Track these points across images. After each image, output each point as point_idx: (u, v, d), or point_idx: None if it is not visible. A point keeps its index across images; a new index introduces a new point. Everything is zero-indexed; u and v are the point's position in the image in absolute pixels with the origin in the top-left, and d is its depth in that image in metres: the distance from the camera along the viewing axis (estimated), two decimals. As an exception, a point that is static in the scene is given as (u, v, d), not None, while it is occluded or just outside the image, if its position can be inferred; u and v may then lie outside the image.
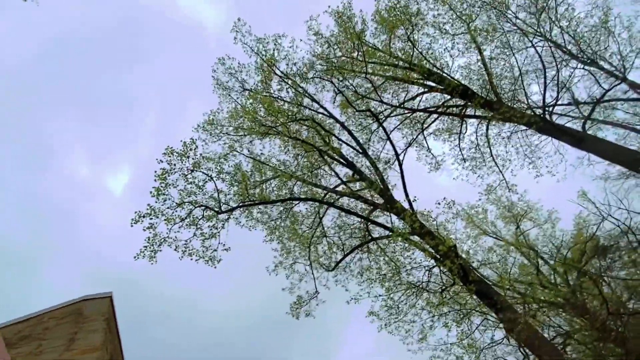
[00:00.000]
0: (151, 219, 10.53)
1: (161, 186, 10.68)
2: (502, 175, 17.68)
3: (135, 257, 10.47)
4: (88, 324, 8.61)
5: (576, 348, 15.36)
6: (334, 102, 19.44)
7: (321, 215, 17.35)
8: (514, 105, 16.11)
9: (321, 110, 17.76)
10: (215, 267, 11.99)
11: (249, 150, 17.91)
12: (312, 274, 15.95)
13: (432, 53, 17.85)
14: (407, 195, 13.54)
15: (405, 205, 14.20)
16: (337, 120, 17.46)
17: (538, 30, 16.32)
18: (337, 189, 16.94)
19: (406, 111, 18.05)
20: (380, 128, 19.30)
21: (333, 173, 17.58)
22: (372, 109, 16.39)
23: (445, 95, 17.92)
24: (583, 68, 16.26)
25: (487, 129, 17.49)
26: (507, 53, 16.73)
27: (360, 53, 17.89)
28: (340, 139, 17.03)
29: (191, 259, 11.43)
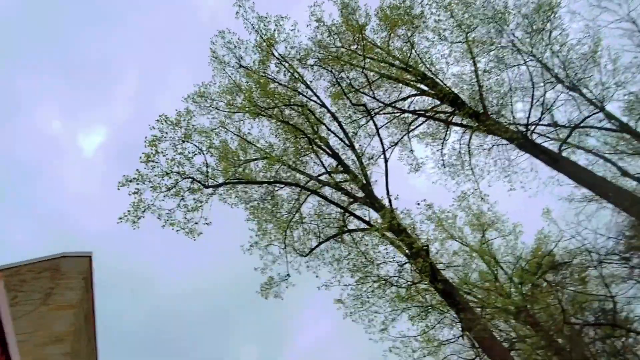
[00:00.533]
0: (138, 184, 10.50)
1: (151, 153, 10.62)
2: (477, 184, 18.47)
3: (118, 220, 10.44)
4: (65, 281, 8.62)
5: (521, 354, 16.50)
6: (327, 92, 19.60)
7: (301, 202, 17.62)
8: (499, 120, 16.77)
9: (314, 98, 17.89)
10: (194, 240, 12.11)
11: (237, 128, 17.90)
12: (286, 257, 16.25)
13: (429, 57, 18.28)
14: (388, 192, 14.02)
15: (385, 201, 14.69)
16: (328, 110, 17.64)
17: (532, 50, 16.97)
18: (320, 177, 17.22)
19: (396, 110, 18.45)
20: (369, 123, 19.71)
21: (318, 162, 17.82)
22: (364, 104, 16.64)
23: (436, 101, 18.40)
24: (567, 93, 17.11)
25: (470, 138, 18.17)
26: (500, 68, 17.32)
27: (359, 46, 18.07)
28: (329, 129, 17.25)
29: (172, 229, 11.50)
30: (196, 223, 12.37)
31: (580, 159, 17.27)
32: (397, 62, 18.95)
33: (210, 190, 12.39)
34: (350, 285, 14.25)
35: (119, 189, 10.14)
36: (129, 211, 10.51)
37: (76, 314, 8.23)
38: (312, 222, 17.30)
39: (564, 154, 16.07)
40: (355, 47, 18.22)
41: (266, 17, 17.91)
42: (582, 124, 16.54)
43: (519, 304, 15.67)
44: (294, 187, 15.68)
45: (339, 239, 16.73)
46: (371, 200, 15.00)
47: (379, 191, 15.96)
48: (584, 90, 17.56)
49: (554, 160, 15.11)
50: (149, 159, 10.59)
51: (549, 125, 17.48)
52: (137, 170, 10.47)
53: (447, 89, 17.44)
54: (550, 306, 16.31)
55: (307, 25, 17.89)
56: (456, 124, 17.44)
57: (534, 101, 16.57)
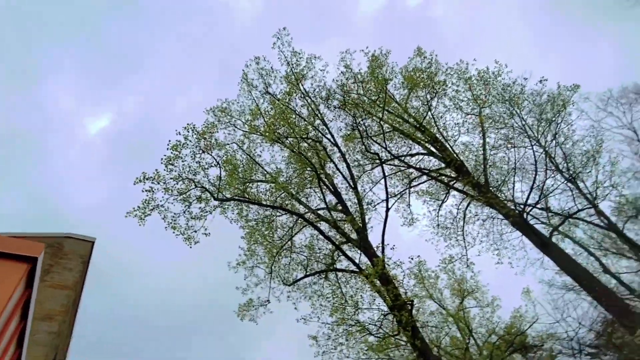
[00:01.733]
0: (153, 183, 10.77)
1: (172, 156, 10.99)
2: (466, 251, 18.89)
3: (126, 215, 10.61)
4: (65, 261, 8.74)
5: None
6: (341, 132, 20.36)
7: (296, 231, 17.88)
8: (498, 194, 17.47)
9: (328, 136, 18.60)
10: (190, 247, 12.23)
11: (249, 149, 18.41)
12: (270, 283, 16.31)
13: (443, 122, 19.23)
14: (383, 240, 14.36)
15: (377, 248, 15.00)
16: (339, 150, 18.28)
17: (539, 137, 17.99)
18: (319, 211, 17.58)
19: (403, 164, 19.14)
20: (374, 171, 20.36)
21: (320, 196, 18.25)
22: (376, 152, 17.32)
23: (442, 164, 19.16)
24: (565, 183, 17.99)
25: (468, 206, 18.77)
26: (507, 147, 18.24)
27: (380, 98, 19.01)
28: (337, 167, 17.83)
29: (173, 232, 11.66)
30: (195, 231, 12.55)
31: (568, 247, 17.88)
32: (411, 120, 19.88)
33: (216, 202, 12.66)
34: (327, 324, 14.26)
35: (135, 184, 10.43)
36: (138, 207, 10.73)
37: (69, 296, 8.31)
38: (302, 253, 17.51)
39: (553, 239, 16.66)
40: (376, 98, 19.15)
41: (299, 53, 18.93)
42: (574, 215, 17.27)
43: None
44: (294, 215, 15.96)
45: (325, 276, 16.86)
46: (364, 245, 15.31)
47: (372, 237, 16.34)
48: (581, 185, 18.48)
49: (544, 244, 15.67)
50: (170, 162, 10.94)
51: (543, 209, 18.20)
52: (157, 170, 10.81)
53: (455, 155, 18.25)
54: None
55: (338, 69, 18.78)
56: (457, 189, 18.10)
57: (534, 185, 17.37)
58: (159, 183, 10.93)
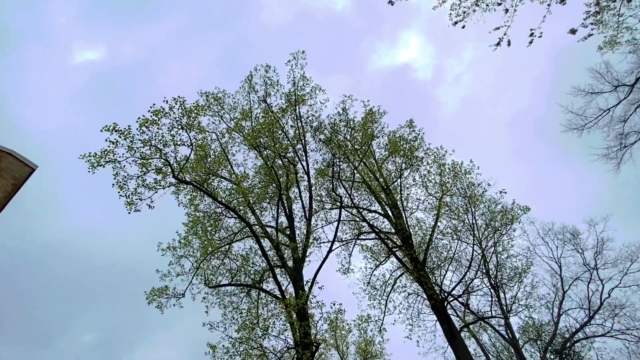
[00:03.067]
0: (121, 137, 10.02)
1: (152, 120, 10.36)
2: (383, 316, 18.80)
3: (80, 156, 9.72)
4: (-5, 177, 7.81)
5: None
6: (316, 164, 20.32)
7: (237, 238, 17.22)
8: (430, 276, 17.72)
9: (304, 163, 18.46)
10: (129, 213, 11.36)
11: (226, 144, 17.89)
12: (192, 278, 15.39)
13: (407, 193, 19.64)
14: (315, 278, 14.05)
15: (307, 281, 14.60)
16: (309, 181, 18.11)
17: (481, 240, 18.70)
18: (267, 228, 17.11)
19: (359, 216, 19.17)
20: (333, 212, 20.25)
21: (273, 214, 17.84)
22: (340, 195, 17.28)
23: (392, 229, 19.37)
24: (489, 288, 18.63)
25: (400, 276, 18.90)
26: (453, 237, 18.76)
27: (362, 150, 19.26)
28: (300, 195, 17.57)
29: (119, 192, 10.81)
30: (141, 199, 11.73)
31: (471, 346, 18.24)
32: (381, 180, 20.18)
33: (174, 180, 11.97)
34: (231, 338, 13.44)
35: (101, 131, 9.66)
36: (95, 153, 9.89)
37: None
38: (235, 261, 16.79)
39: (462, 334, 16.92)
40: (359, 147, 19.40)
41: (307, 80, 19.06)
42: (486, 319, 17.74)
43: None
44: (242, 222, 15.39)
45: (248, 291, 16.15)
46: (296, 275, 14.90)
47: (306, 271, 15.96)
48: (501, 294, 19.19)
49: (453, 336, 15.84)
50: (146, 124, 10.29)
51: (463, 304, 18.62)
52: (129, 125, 10.11)
53: (406, 225, 18.52)
54: None
55: (335, 108, 18.98)
56: (397, 257, 18.20)
57: (463, 279, 17.83)
58: (125, 139, 10.21)
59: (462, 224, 19.24)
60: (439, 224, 18.98)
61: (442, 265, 18.83)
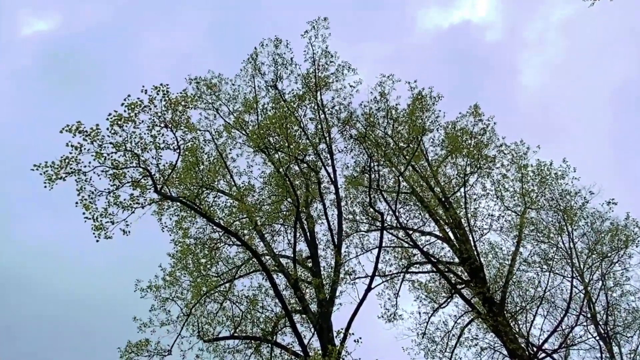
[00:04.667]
0: (86, 139, 10.25)
1: (126, 117, 10.57)
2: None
3: (33, 167, 9.98)
4: None
5: None
6: (345, 169, 20.24)
7: (241, 272, 17.27)
8: (511, 323, 17.19)
9: (330, 169, 18.41)
10: (97, 241, 11.59)
11: (223, 146, 18.12)
12: (181, 328, 15.49)
13: (474, 207, 19.21)
14: (349, 327, 13.81)
15: (338, 331, 14.40)
16: (336, 193, 18.04)
17: (583, 271, 18.07)
18: (281, 258, 17.10)
19: (408, 240, 18.86)
20: (371, 234, 20.03)
21: (290, 240, 17.82)
22: (381, 212, 17.08)
23: (455, 257, 18.96)
24: (597, 339, 17.88)
25: (469, 324, 18.41)
26: (542, 268, 18.19)
27: (409, 149, 19.01)
28: (326, 212, 17.47)
29: (84, 214, 11.04)
30: (113, 222, 11.93)
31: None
32: (437, 190, 19.84)
33: (156, 196, 12.15)
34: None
35: (61, 132, 9.87)
36: (53, 163, 10.15)
37: None
38: (239, 305, 16.80)
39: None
40: (405, 145, 19.17)
41: (332, 56, 19.12)
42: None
43: None
44: (247, 251, 15.44)
45: (257, 346, 16.10)
46: (323, 323, 14.72)
47: (336, 318, 15.75)
48: (615, 348, 18.34)
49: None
50: (119, 121, 10.48)
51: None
52: (97, 125, 10.30)
53: (475, 252, 18.06)
54: None
55: (371, 92, 18.89)
56: (463, 297, 17.74)
57: (559, 327, 17.21)
58: (92, 142, 10.41)
59: (554, 248, 18.65)
60: (521, 249, 18.52)
61: (528, 307, 18.29)
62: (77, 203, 10.99)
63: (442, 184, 20.17)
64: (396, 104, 19.31)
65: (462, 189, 18.93)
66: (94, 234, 11.62)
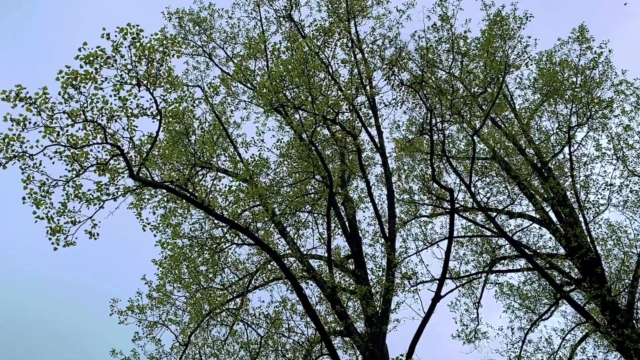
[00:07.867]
0: (30, 108, 10.31)
1: (86, 74, 10.59)
2: None
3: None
4: None
5: None
6: (394, 133, 20.14)
7: (256, 283, 17.48)
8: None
9: (373, 130, 18.32)
10: (55, 248, 11.83)
11: (222, 107, 18.16)
12: (178, 360, 15.87)
13: (587, 176, 18.87)
14: (412, 349, 13.96)
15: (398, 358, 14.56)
16: (384, 163, 17.95)
17: None
18: (310, 258, 17.25)
19: (490, 226, 18.80)
20: (435, 219, 19.92)
21: (322, 235, 17.86)
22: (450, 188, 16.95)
23: (560, 247, 18.76)
24: None
25: (584, 340, 18.30)
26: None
27: (488, 94, 18.72)
28: (370, 193, 17.43)
29: (34, 213, 11.25)
30: (74, 223, 12.13)
31: None
32: (530, 151, 19.57)
33: (132, 182, 12.29)
34: None
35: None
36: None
37: None
38: (255, 326, 17.02)
39: None
40: (480, 91, 18.85)
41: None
42: None
43: None
44: (263, 252, 15.62)
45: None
46: (375, 347, 14.86)
47: (392, 338, 15.89)
48: None
49: None
50: (74, 81, 10.48)
51: None
52: (44, 88, 10.31)
53: (588, 239, 17.85)
54: None
55: (428, 17, 18.59)
56: (574, 304, 17.58)
57: None
58: (40, 113, 10.44)
59: None
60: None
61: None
62: (24, 199, 11.15)
63: (537, 143, 20.01)
64: (465, 32, 18.89)
65: (566, 149, 18.81)
66: (49, 239, 11.82)
